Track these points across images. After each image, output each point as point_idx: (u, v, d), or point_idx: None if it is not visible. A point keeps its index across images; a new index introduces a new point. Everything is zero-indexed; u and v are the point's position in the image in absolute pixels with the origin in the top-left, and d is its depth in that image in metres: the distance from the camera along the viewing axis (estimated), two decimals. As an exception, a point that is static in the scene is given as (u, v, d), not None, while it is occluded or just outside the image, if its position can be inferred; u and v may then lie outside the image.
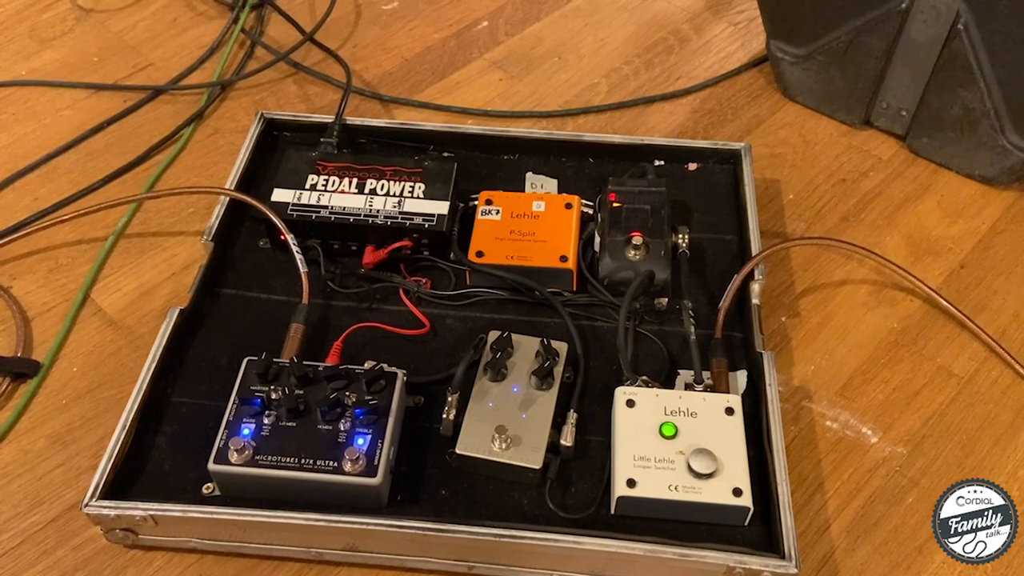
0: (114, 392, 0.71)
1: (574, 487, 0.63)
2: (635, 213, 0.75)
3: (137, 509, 0.58)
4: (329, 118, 0.84)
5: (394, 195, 0.75)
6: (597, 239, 0.75)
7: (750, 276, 0.72)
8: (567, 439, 0.63)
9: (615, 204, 0.75)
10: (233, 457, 0.59)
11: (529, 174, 0.83)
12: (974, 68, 0.80)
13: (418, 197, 0.75)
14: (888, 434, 0.69)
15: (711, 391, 0.65)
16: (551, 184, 0.83)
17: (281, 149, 0.84)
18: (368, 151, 0.85)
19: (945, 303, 0.75)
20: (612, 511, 0.61)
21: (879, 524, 0.64)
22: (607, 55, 1.01)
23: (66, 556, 0.62)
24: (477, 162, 0.84)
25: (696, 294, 0.74)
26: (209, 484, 0.61)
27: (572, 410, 0.64)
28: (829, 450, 0.68)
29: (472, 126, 0.87)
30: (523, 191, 0.81)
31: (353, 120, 0.85)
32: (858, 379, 0.72)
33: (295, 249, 0.72)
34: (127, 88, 0.96)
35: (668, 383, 0.68)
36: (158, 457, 0.64)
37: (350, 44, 1.02)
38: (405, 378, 0.64)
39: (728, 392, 0.65)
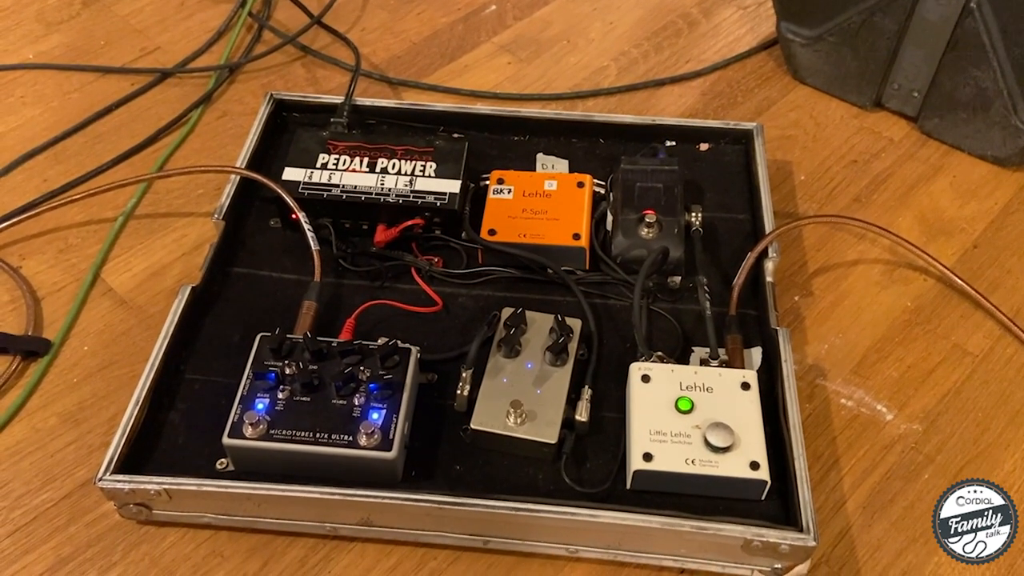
0: (125, 371, 0.70)
1: (589, 463, 0.62)
2: (648, 191, 0.74)
3: (151, 483, 0.58)
4: (339, 99, 0.84)
5: (405, 174, 0.75)
6: (609, 217, 0.75)
7: (764, 254, 0.71)
8: (582, 414, 0.62)
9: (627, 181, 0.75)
10: (248, 431, 0.58)
11: (540, 155, 0.83)
12: (987, 48, 0.79)
13: (430, 176, 0.75)
14: (903, 411, 0.68)
15: (726, 367, 0.65)
16: (562, 164, 0.82)
17: (290, 130, 0.84)
18: (378, 132, 0.85)
19: (959, 281, 0.75)
20: (628, 486, 0.60)
21: (895, 500, 0.64)
22: (616, 38, 1.01)
23: (78, 532, 0.62)
24: (488, 143, 0.84)
25: (709, 272, 0.73)
26: (223, 460, 0.61)
27: (586, 386, 0.64)
28: (844, 427, 0.68)
29: (483, 107, 0.87)
30: (534, 171, 0.81)
31: (363, 101, 0.85)
32: (872, 357, 0.72)
33: (307, 227, 0.71)
34: (134, 71, 0.96)
35: (682, 360, 0.67)
36: (171, 433, 0.63)
37: (358, 28, 1.02)
38: (419, 354, 0.64)
39: (743, 368, 0.65)
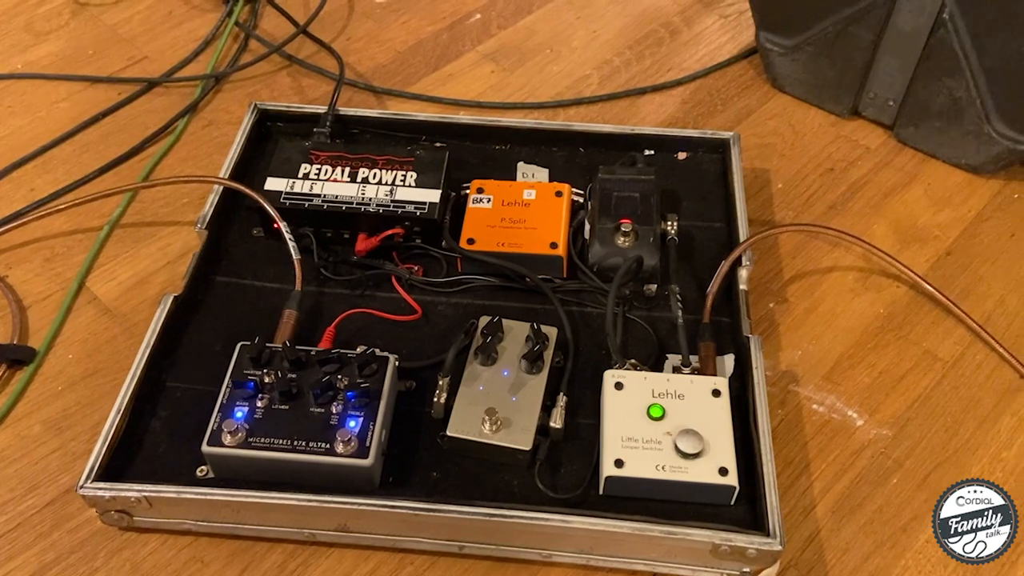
0: (109, 379, 0.71)
1: (564, 468, 0.64)
2: (625, 201, 0.75)
3: (132, 490, 0.59)
4: (322, 109, 0.85)
5: (386, 184, 0.76)
6: (587, 226, 0.76)
7: (738, 262, 0.72)
8: (556, 421, 0.63)
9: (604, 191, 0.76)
10: (226, 439, 0.59)
11: (520, 164, 0.84)
12: (959, 57, 0.81)
13: (410, 186, 0.76)
14: (873, 417, 0.70)
15: (698, 374, 0.66)
16: (542, 173, 0.83)
17: (275, 139, 0.85)
18: (361, 141, 0.86)
19: (931, 289, 0.76)
20: (601, 491, 0.61)
21: (864, 505, 0.65)
22: (599, 47, 1.02)
23: (61, 539, 0.63)
24: (469, 152, 0.85)
25: (685, 280, 0.74)
26: (203, 467, 0.62)
27: (562, 393, 0.65)
28: (815, 433, 0.69)
29: (464, 116, 0.88)
30: (515, 180, 0.82)
31: (346, 110, 0.86)
32: (845, 363, 0.73)
33: (288, 237, 0.73)
34: (122, 81, 0.97)
35: (657, 367, 0.69)
36: (153, 441, 0.64)
37: (343, 37, 1.03)
38: (397, 362, 0.65)
39: (715, 375, 0.66)
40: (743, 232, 0.75)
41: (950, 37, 0.80)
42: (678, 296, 0.71)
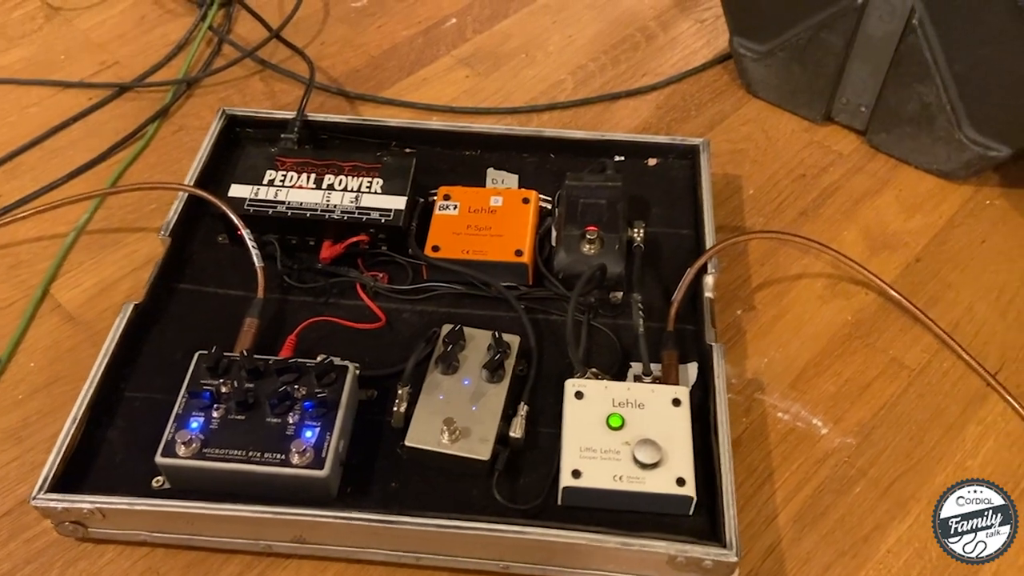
0: (71, 387, 0.71)
1: (524, 478, 0.63)
2: (591, 207, 0.75)
3: (85, 502, 0.59)
4: (292, 114, 0.84)
5: (352, 190, 0.76)
6: (553, 233, 0.76)
7: (703, 269, 0.72)
8: (516, 431, 0.63)
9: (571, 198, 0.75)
10: (180, 450, 0.59)
11: (490, 170, 0.84)
12: (930, 63, 0.80)
13: (376, 192, 0.75)
14: (838, 425, 0.69)
15: (661, 383, 0.66)
16: (512, 180, 0.83)
17: (243, 145, 0.85)
18: (331, 147, 0.85)
19: (899, 296, 0.76)
20: (559, 502, 0.61)
21: (826, 514, 0.64)
22: (574, 52, 1.02)
23: (18, 549, 0.63)
24: (439, 158, 0.84)
25: (651, 288, 0.74)
26: (159, 478, 0.62)
27: (523, 402, 0.65)
28: (779, 441, 0.68)
29: (434, 122, 0.87)
30: (484, 187, 0.82)
31: (315, 116, 0.85)
32: (811, 371, 0.72)
33: (251, 244, 0.72)
34: (93, 86, 0.96)
35: (620, 376, 0.68)
36: (109, 451, 0.64)
37: (317, 42, 1.03)
38: (358, 372, 0.65)
39: (678, 384, 0.66)
40: (710, 239, 0.75)
41: (920, 43, 0.80)
42: (640, 305, 0.70)
